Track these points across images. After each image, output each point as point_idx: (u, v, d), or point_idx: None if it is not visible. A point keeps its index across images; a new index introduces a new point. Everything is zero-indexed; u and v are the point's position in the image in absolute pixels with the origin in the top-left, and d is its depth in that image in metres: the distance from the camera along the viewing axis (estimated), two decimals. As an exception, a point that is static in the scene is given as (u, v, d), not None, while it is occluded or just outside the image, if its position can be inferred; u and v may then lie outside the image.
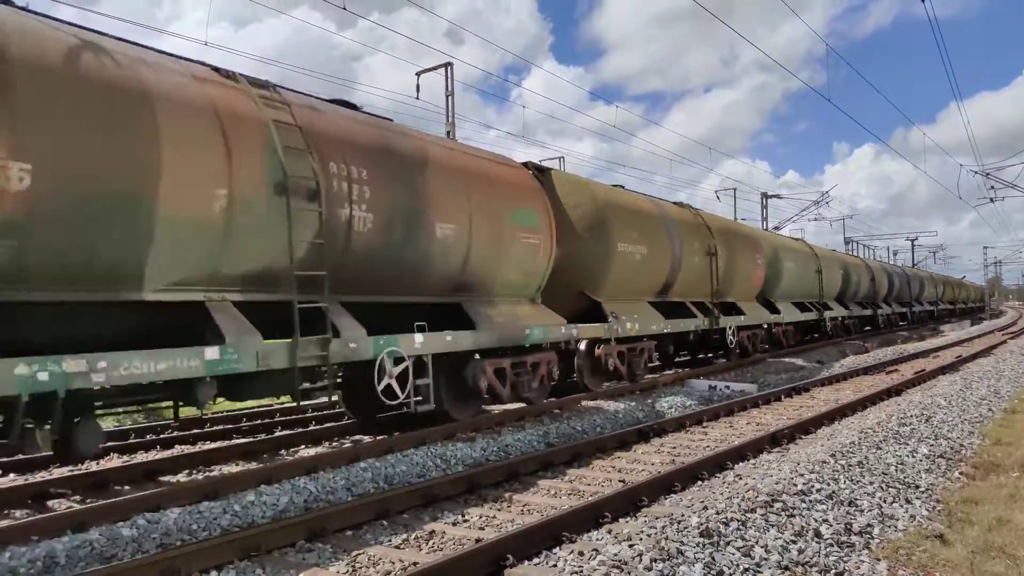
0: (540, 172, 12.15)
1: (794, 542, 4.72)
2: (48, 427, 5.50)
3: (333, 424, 10.20)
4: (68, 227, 5.48)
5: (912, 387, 13.40)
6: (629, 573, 4.08)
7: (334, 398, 7.98)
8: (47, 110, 5.32)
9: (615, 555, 4.31)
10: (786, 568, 4.36)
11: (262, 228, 6.90)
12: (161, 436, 9.47)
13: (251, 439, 9.40)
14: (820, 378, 14.70)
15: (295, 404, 7.75)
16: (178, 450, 8.86)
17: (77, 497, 6.73)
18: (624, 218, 12.98)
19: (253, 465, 7.84)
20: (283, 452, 8.69)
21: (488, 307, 9.93)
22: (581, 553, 4.50)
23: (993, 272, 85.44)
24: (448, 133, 17.92)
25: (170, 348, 6.06)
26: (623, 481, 6.76)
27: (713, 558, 4.33)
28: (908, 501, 5.88)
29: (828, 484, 5.96)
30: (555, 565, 4.39)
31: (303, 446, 8.99)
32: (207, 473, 7.67)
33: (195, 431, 9.74)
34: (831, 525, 5.08)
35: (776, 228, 36.79)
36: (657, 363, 16.85)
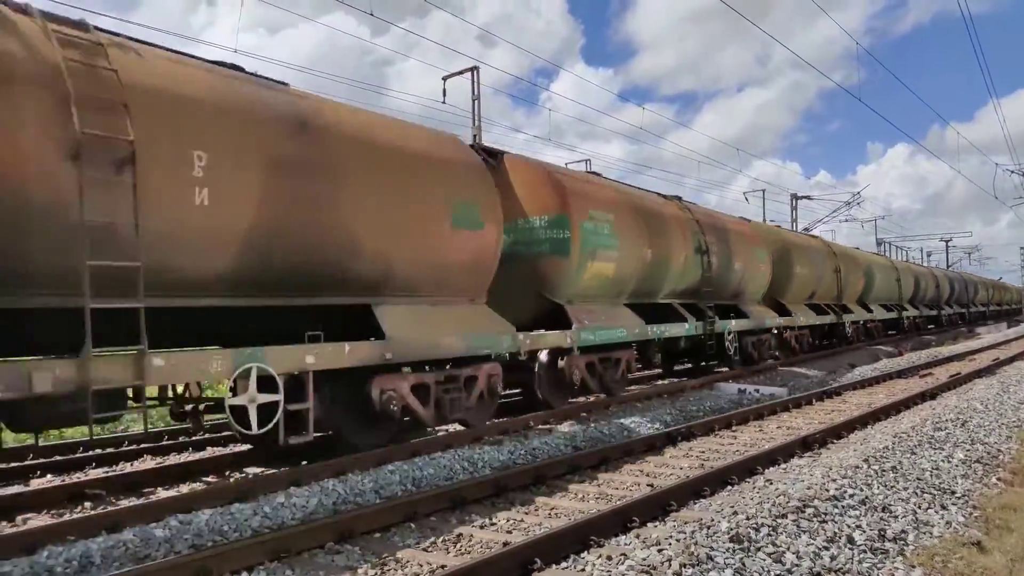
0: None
1: (826, 548, 4.65)
2: None
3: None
4: None
5: (947, 391, 13.14)
6: (658, 578, 4.04)
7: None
8: None
9: (644, 560, 4.28)
10: (818, 575, 4.29)
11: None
12: (193, 438, 9.61)
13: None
14: (852, 381, 14.47)
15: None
16: (209, 452, 8.98)
17: (111, 498, 6.85)
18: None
19: (283, 467, 7.91)
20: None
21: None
22: (609, 558, 4.47)
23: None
24: (474, 137, 17.97)
25: None
26: (651, 485, 6.72)
27: (743, 564, 4.27)
28: (944, 507, 5.75)
29: (861, 489, 5.86)
30: (583, 570, 4.37)
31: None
32: (237, 475, 7.76)
33: (226, 432, 9.86)
34: (864, 531, 4.99)
35: (806, 229, 36.32)
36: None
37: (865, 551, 4.69)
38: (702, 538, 4.62)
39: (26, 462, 8.22)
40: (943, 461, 7.09)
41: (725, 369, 16.37)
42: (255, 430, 6.48)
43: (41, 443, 8.90)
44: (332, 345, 7.26)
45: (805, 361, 19.57)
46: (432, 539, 5.40)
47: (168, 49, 6.74)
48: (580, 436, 9.19)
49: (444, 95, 18.36)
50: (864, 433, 9.00)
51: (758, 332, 17.33)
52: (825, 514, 5.23)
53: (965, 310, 45.68)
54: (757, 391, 13.16)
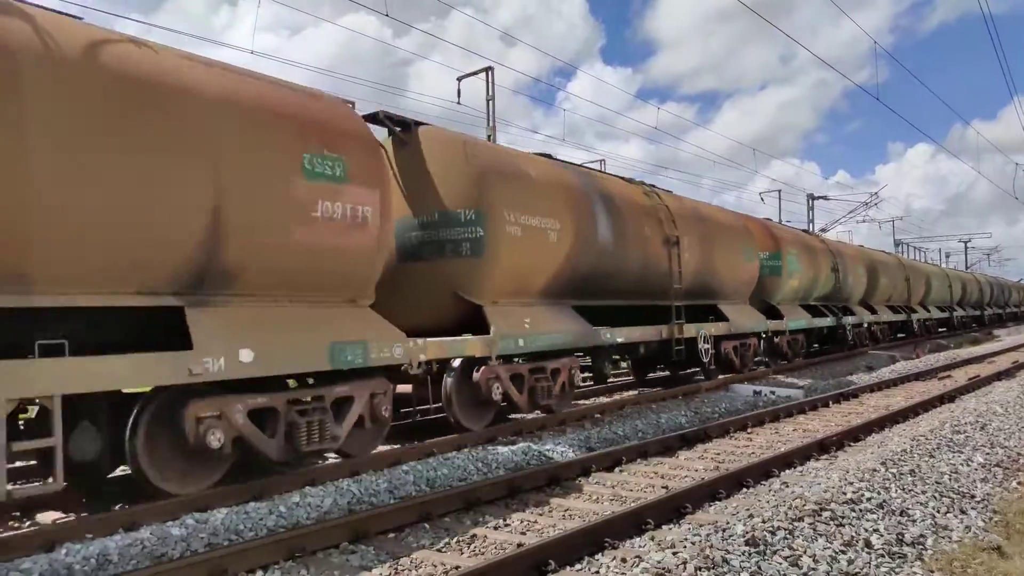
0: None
1: (843, 552, 4.61)
2: None
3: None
4: None
5: (966, 393, 13.00)
6: (673, 581, 4.02)
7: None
8: None
9: (659, 562, 4.26)
10: (835, 579, 4.26)
11: None
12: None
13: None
14: (869, 384, 14.34)
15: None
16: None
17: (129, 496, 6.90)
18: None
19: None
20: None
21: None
22: (624, 560, 4.46)
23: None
24: (489, 137, 17.98)
25: None
26: (666, 487, 6.69)
27: (759, 567, 4.25)
28: (963, 511, 5.69)
29: (879, 493, 5.80)
30: (597, 572, 4.37)
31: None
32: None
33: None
34: (882, 535, 4.95)
35: (823, 230, 36.08)
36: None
37: (883, 555, 4.65)
38: (717, 541, 4.60)
39: None
40: (962, 464, 7.02)
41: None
42: None
43: None
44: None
45: (812, 365, 19.29)
46: (446, 539, 5.41)
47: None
48: (594, 438, 9.17)
49: (459, 95, 18.38)
50: (882, 436, 8.92)
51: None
52: (842, 517, 5.19)
53: (1002, 311, 52.91)
54: (773, 393, 13.09)
